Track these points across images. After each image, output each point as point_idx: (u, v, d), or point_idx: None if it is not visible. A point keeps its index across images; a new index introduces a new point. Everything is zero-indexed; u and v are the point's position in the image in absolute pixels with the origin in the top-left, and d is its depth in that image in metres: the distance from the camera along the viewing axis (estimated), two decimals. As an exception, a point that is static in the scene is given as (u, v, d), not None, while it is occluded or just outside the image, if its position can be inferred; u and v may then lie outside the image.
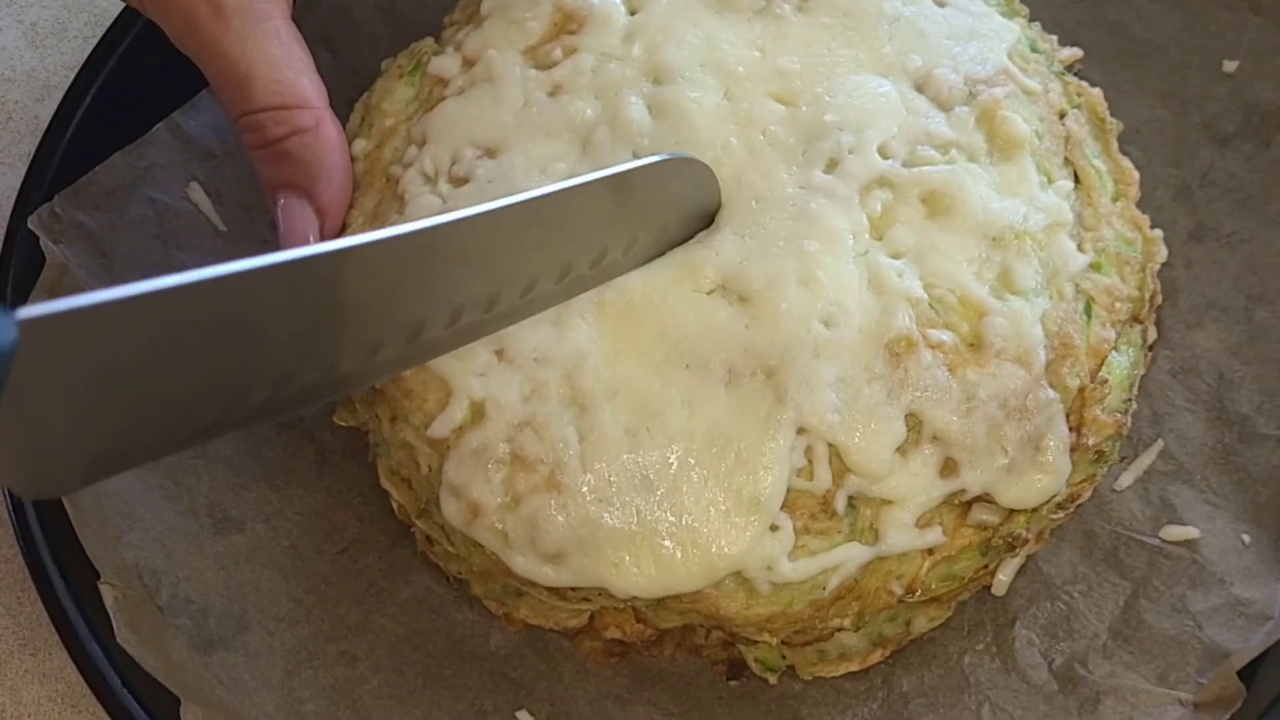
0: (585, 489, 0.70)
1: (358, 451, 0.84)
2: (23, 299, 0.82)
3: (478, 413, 0.72)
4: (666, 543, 0.70)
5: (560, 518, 0.70)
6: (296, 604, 0.80)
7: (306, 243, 0.76)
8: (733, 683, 0.79)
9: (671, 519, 0.70)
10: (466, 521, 0.72)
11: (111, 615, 0.76)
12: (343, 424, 0.84)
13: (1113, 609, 0.77)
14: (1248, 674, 0.72)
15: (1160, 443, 0.80)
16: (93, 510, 0.79)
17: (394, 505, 0.80)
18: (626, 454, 0.70)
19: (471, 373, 0.72)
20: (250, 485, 0.83)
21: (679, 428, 0.70)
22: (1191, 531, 0.77)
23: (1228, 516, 0.78)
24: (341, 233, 0.80)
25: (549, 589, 0.72)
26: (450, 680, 0.79)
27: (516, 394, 0.71)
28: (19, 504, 0.79)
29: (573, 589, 0.72)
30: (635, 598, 0.71)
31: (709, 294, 0.73)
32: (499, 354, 0.72)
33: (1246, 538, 0.77)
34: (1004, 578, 0.77)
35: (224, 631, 0.78)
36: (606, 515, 0.70)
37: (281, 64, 0.74)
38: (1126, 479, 0.80)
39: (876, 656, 0.76)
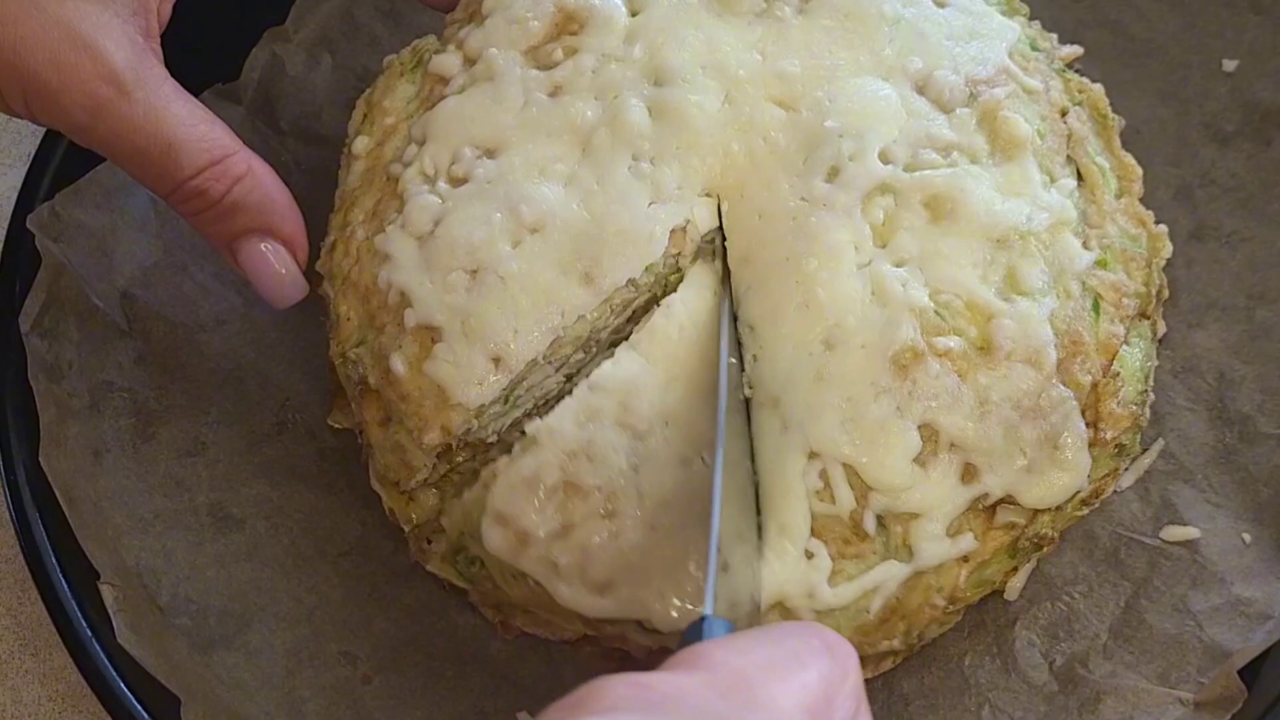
0: (639, 517, 0.70)
1: (358, 450, 0.84)
2: (23, 299, 0.82)
3: (528, 441, 0.72)
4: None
5: (613, 546, 0.70)
6: (297, 603, 0.80)
7: (283, 281, 0.76)
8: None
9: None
10: (513, 551, 0.71)
11: (112, 615, 0.76)
12: (337, 425, 0.84)
13: (1113, 609, 0.77)
14: (1250, 673, 0.72)
15: (1161, 442, 0.80)
16: (92, 511, 0.79)
17: (385, 509, 0.80)
18: (682, 482, 0.70)
19: (470, 381, 0.72)
20: (250, 483, 0.83)
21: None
22: (1192, 531, 0.77)
23: (1229, 516, 0.78)
24: (344, 232, 0.80)
25: (586, 620, 0.72)
26: (451, 681, 0.79)
27: (571, 421, 0.71)
28: (20, 504, 0.79)
29: (611, 621, 0.72)
30: (676, 631, 0.71)
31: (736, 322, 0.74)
32: (496, 361, 0.72)
33: (1247, 537, 0.77)
34: (1017, 583, 0.77)
35: (224, 631, 0.78)
36: (658, 545, 0.70)
37: (193, 120, 0.72)
38: (1127, 479, 0.80)
39: (887, 664, 0.76)
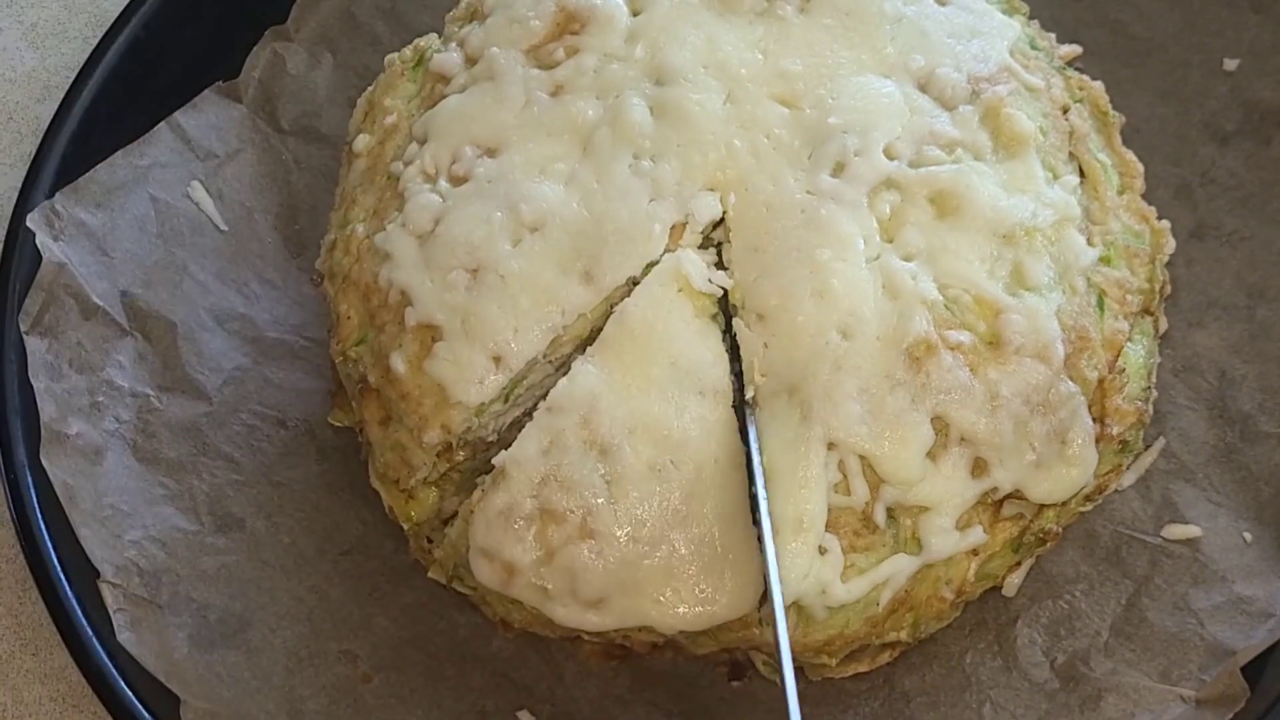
0: (618, 531, 0.70)
1: (358, 449, 0.84)
2: (23, 299, 0.82)
3: (498, 473, 0.72)
4: (707, 573, 0.70)
5: (598, 564, 0.70)
6: (298, 602, 0.80)
7: None
8: (735, 683, 0.78)
9: (708, 550, 0.70)
10: (503, 582, 0.72)
11: (112, 614, 0.76)
12: (337, 424, 0.84)
13: (1115, 607, 0.77)
14: (1253, 672, 0.72)
15: (1162, 441, 0.80)
16: (92, 510, 0.79)
17: (385, 507, 0.80)
18: (656, 487, 0.70)
19: (470, 380, 0.72)
20: (250, 482, 0.83)
21: (704, 455, 0.70)
22: (1193, 530, 0.77)
23: (1229, 514, 0.78)
24: (344, 230, 0.79)
25: (590, 634, 0.72)
26: (452, 680, 0.79)
27: (535, 448, 0.71)
28: (21, 504, 0.79)
29: (616, 630, 0.72)
30: (681, 631, 0.71)
31: (713, 317, 0.73)
32: (496, 360, 0.72)
33: (1248, 535, 0.77)
34: (1016, 579, 0.77)
35: (225, 629, 0.78)
36: (644, 554, 0.70)
37: None
38: (1129, 478, 0.80)
39: (885, 657, 0.76)
